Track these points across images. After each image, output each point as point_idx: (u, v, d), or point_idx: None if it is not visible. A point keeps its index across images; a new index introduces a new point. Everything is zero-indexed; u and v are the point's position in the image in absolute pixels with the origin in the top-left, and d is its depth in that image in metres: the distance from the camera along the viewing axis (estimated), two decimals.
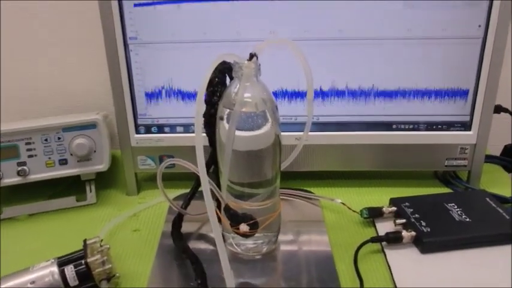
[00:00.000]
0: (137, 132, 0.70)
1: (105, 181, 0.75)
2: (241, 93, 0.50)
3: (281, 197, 0.65)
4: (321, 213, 0.66)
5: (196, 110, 0.45)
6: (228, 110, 0.51)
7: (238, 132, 0.50)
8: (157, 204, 0.70)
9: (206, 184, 0.44)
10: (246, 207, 0.55)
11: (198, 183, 0.59)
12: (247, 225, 0.53)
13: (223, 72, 0.53)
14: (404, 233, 0.57)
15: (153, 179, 0.60)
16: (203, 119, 0.54)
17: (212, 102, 0.53)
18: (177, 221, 0.61)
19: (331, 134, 0.69)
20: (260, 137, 0.52)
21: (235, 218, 0.53)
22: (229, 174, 0.53)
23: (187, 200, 0.60)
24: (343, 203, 0.66)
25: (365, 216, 0.63)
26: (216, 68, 0.51)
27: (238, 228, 0.54)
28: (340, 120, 0.69)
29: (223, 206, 0.54)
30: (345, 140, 0.70)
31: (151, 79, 0.68)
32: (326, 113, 0.69)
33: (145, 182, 0.77)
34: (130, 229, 0.65)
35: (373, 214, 0.63)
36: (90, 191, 0.71)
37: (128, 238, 0.63)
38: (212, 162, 0.57)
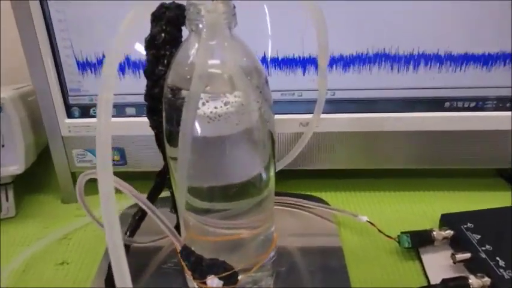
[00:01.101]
0: (69, 115, 0.48)
1: (34, 184, 0.54)
2: (203, 58, 0.28)
3: (279, 207, 0.45)
4: (337, 235, 0.44)
5: (100, 95, 0.23)
6: (182, 90, 0.29)
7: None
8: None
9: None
10: (217, 241, 0.34)
11: (142, 211, 0.38)
12: (220, 278, 0.32)
13: (174, 23, 0.30)
14: (472, 280, 0.36)
15: None
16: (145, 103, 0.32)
17: (155, 76, 0.31)
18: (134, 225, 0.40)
19: (352, 117, 0.47)
20: (239, 118, 0.31)
21: (198, 269, 0.32)
22: (188, 177, 0.31)
23: (132, 228, 0.39)
24: (371, 223, 0.44)
25: (406, 245, 0.41)
26: (156, 16, 0.28)
27: (204, 283, 0.33)
28: (366, 96, 0.47)
29: (179, 247, 0.33)
30: (371, 124, 0.48)
31: (85, 42, 0.45)
32: (345, 85, 0.46)
33: (90, 183, 0.55)
34: (54, 261, 0.44)
35: (418, 241, 0.42)
36: (7, 200, 0.50)
37: (49, 277, 0.42)
38: (165, 172, 0.36)
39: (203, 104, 0.28)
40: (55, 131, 0.49)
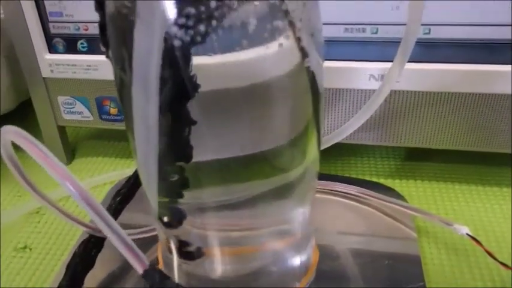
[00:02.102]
0: (51, 49, 0.36)
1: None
2: None
3: (328, 196, 0.31)
4: (415, 246, 0.29)
5: None
6: None
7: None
8: (93, 189, 0.37)
9: None
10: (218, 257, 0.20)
11: None
12: None
13: None
14: None
15: (100, 136, 0.38)
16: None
17: None
18: (83, 258, 0.27)
19: (456, 69, 0.31)
20: (257, 62, 0.16)
21: None
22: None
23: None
24: (475, 239, 0.28)
25: None
26: None
27: None
28: (481, 36, 0.30)
29: (140, 269, 0.19)
30: (486, 82, 0.31)
31: None
32: (449, 18, 0.30)
33: (86, 141, 0.43)
34: (14, 245, 0.32)
35: None
36: None
37: (7, 264, 0.31)
38: None
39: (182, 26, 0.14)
40: (34, 70, 0.36)
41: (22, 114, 0.40)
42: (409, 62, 0.24)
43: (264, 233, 0.22)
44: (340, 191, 0.33)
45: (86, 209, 0.16)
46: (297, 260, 0.23)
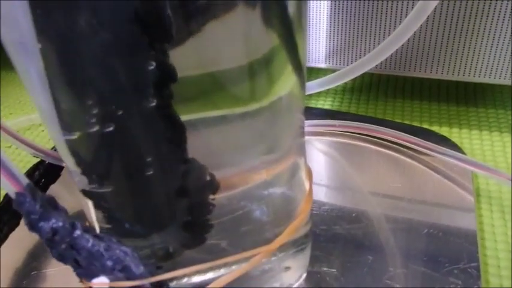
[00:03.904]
0: None
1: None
2: None
3: (354, 140, 0.23)
4: (471, 211, 0.21)
5: None
6: None
7: None
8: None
9: None
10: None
11: None
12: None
13: None
14: None
15: None
16: None
17: None
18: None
19: None
20: None
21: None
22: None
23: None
24: None
25: None
26: None
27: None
28: None
29: (12, 194, 0.12)
30: None
31: None
32: None
33: None
34: None
35: None
36: None
37: None
38: None
39: None
40: None
41: None
42: None
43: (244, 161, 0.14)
44: (378, 138, 0.25)
45: None
46: (288, 194, 0.16)
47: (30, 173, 0.21)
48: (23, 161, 0.26)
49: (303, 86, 0.14)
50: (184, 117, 0.12)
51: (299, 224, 0.13)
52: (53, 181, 0.22)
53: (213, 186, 0.13)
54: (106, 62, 0.11)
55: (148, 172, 0.12)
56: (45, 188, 0.22)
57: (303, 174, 0.15)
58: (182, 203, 0.13)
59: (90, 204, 0.14)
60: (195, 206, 0.13)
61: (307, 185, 0.15)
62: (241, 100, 0.12)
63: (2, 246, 0.19)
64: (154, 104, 0.11)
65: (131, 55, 0.11)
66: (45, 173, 0.21)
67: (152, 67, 0.11)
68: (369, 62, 0.22)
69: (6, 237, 0.20)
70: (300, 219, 0.14)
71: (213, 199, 0.13)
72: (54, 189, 0.22)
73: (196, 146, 0.12)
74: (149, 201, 0.13)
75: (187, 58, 0.11)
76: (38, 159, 0.21)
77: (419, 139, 0.24)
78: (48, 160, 0.21)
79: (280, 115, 0.13)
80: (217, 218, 0.14)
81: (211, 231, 0.14)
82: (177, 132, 0.12)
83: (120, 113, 0.11)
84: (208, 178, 0.13)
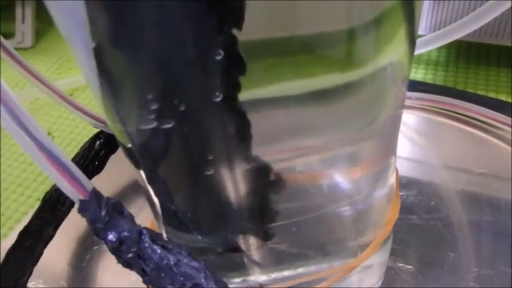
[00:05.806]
0: None
1: None
2: None
3: (431, 115, 0.21)
4: None
5: None
6: None
7: None
8: None
9: None
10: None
11: None
12: None
13: None
14: None
15: None
16: None
17: None
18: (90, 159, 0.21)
19: None
20: None
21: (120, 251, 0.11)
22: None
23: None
24: None
25: None
26: None
27: None
28: None
29: (77, 200, 0.11)
30: None
31: None
32: None
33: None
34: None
35: None
36: (23, 22, 0.34)
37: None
38: None
39: None
40: None
41: None
42: None
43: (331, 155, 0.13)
44: (458, 113, 0.23)
45: None
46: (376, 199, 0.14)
47: (91, 143, 0.21)
48: (80, 134, 0.26)
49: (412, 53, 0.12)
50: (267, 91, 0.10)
51: (386, 235, 0.12)
52: (113, 151, 0.21)
53: (278, 186, 0.12)
54: (169, 50, 0.09)
55: (208, 172, 0.11)
56: (105, 158, 0.21)
57: (391, 172, 0.13)
58: (245, 204, 0.12)
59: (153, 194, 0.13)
60: (261, 210, 0.12)
61: (393, 187, 0.13)
62: (340, 68, 0.10)
63: (66, 219, 0.19)
64: (220, 98, 0.10)
65: (198, 41, 0.09)
66: (105, 143, 0.21)
67: (220, 57, 0.09)
68: (462, 28, 0.20)
69: (68, 210, 0.19)
70: (386, 230, 0.12)
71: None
72: (114, 160, 0.21)
73: (276, 129, 0.11)
74: (209, 203, 0.12)
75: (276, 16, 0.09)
76: (98, 130, 0.20)
77: (503, 115, 0.21)
78: (108, 131, 0.20)
79: (383, 87, 0.11)
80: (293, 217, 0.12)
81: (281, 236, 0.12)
82: (242, 128, 0.11)
83: (182, 108, 0.10)
84: (272, 177, 0.12)
